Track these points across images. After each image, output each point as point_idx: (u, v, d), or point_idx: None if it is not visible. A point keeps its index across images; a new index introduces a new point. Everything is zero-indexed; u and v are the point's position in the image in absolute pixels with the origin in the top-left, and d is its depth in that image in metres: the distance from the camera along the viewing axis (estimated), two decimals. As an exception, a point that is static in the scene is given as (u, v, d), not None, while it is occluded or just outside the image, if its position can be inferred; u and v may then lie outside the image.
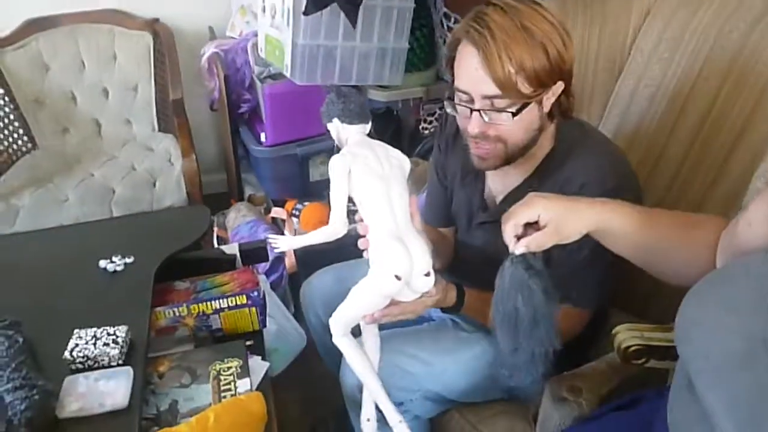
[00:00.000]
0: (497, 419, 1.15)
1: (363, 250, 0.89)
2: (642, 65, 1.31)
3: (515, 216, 0.80)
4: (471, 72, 0.96)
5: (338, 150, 0.93)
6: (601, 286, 1.08)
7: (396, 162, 0.90)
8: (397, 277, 0.83)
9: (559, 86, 0.99)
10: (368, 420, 0.95)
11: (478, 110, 0.98)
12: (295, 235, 2.10)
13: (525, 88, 0.94)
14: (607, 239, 0.84)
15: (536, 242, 0.79)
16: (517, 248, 0.79)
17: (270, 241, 0.96)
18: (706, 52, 1.20)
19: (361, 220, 0.89)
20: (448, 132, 1.23)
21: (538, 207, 0.79)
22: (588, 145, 1.06)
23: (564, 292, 1.07)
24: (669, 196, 1.24)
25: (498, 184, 1.15)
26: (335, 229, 0.88)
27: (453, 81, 1.03)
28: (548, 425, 0.99)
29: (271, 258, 1.80)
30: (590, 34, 1.44)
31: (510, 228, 0.80)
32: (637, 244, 0.83)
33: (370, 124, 0.94)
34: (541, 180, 1.07)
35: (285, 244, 0.95)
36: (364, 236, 0.89)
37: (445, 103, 1.06)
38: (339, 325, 0.91)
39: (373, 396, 0.92)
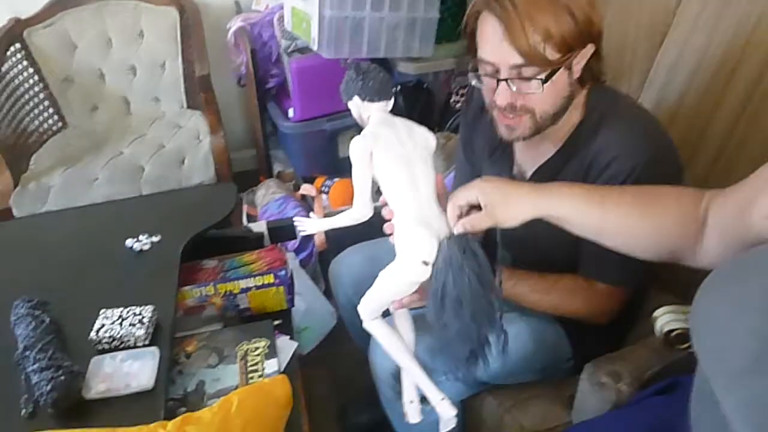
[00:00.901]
0: (531, 403, 1.12)
1: (389, 235, 0.86)
2: (686, 33, 1.23)
3: (455, 197, 0.82)
4: (495, 44, 0.91)
5: (360, 129, 0.88)
6: (635, 263, 1.02)
7: (421, 140, 0.85)
8: (425, 263, 0.79)
9: (589, 49, 0.93)
10: (411, 402, 0.92)
11: (505, 80, 0.93)
12: (324, 212, 2.07)
13: (552, 54, 0.90)
14: (563, 225, 0.82)
15: (470, 223, 0.79)
16: (456, 228, 0.79)
17: (296, 223, 0.93)
18: (756, 17, 1.12)
19: (386, 204, 0.85)
20: (474, 107, 1.19)
21: (475, 190, 0.81)
22: (621, 114, 1.00)
23: (597, 269, 1.04)
24: (713, 175, 1.17)
25: (527, 158, 1.10)
26: (360, 213, 0.84)
27: (475, 52, 0.98)
28: (585, 410, 0.95)
29: (299, 236, 1.78)
30: (629, 4, 1.36)
31: (450, 208, 0.81)
32: (595, 228, 0.81)
33: (392, 100, 0.89)
34: (572, 153, 1.02)
35: (311, 226, 0.92)
36: (389, 220, 0.85)
37: (469, 75, 1.01)
38: (368, 311, 0.88)
39: (412, 377, 0.90)
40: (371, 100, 0.87)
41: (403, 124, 0.87)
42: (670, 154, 0.99)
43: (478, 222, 0.79)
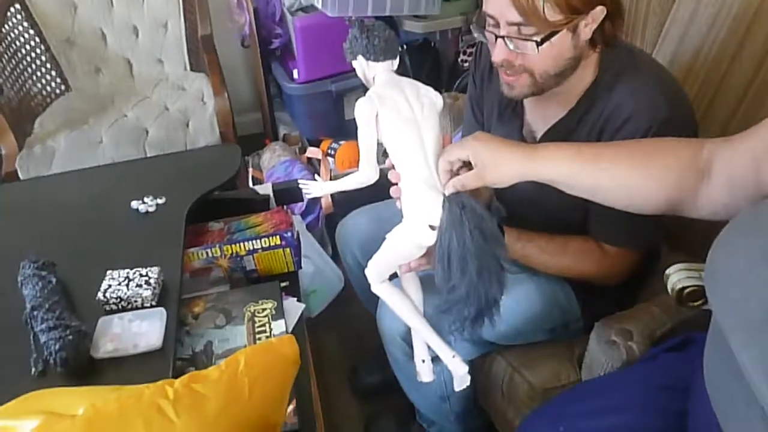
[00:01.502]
0: (541, 362, 1.12)
1: (396, 199, 0.84)
2: (703, -17, 1.19)
3: (447, 153, 0.80)
4: None
5: (366, 89, 0.86)
6: (648, 227, 1.01)
7: (428, 101, 0.83)
8: (432, 227, 0.78)
9: (600, 11, 0.88)
10: (423, 361, 0.92)
11: (503, 37, 0.89)
12: (330, 174, 2.05)
13: (552, 15, 0.85)
14: (559, 186, 0.80)
15: (461, 182, 0.78)
16: (446, 188, 0.78)
17: (301, 186, 0.91)
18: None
19: (392, 167, 0.83)
20: (483, 65, 1.16)
21: (468, 148, 0.79)
22: (636, 73, 0.96)
23: (607, 232, 1.02)
24: (728, 131, 1.13)
25: (537, 119, 1.07)
26: (366, 175, 0.82)
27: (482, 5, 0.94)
28: (595, 368, 0.95)
29: (305, 199, 1.77)
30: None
31: (441, 164, 0.80)
32: (589, 188, 0.79)
33: (398, 60, 0.86)
34: (584, 113, 0.99)
35: (317, 189, 0.90)
36: (395, 184, 0.83)
37: (471, 27, 0.98)
38: (375, 274, 0.88)
39: (422, 336, 0.90)
40: (376, 60, 0.84)
41: (409, 84, 0.84)
42: (686, 112, 0.96)
43: (469, 181, 0.78)
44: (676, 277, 0.90)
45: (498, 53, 0.92)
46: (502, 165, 0.78)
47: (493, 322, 0.82)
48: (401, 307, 0.89)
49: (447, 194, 0.78)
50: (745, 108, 1.12)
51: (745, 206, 0.68)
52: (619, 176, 0.78)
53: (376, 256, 0.86)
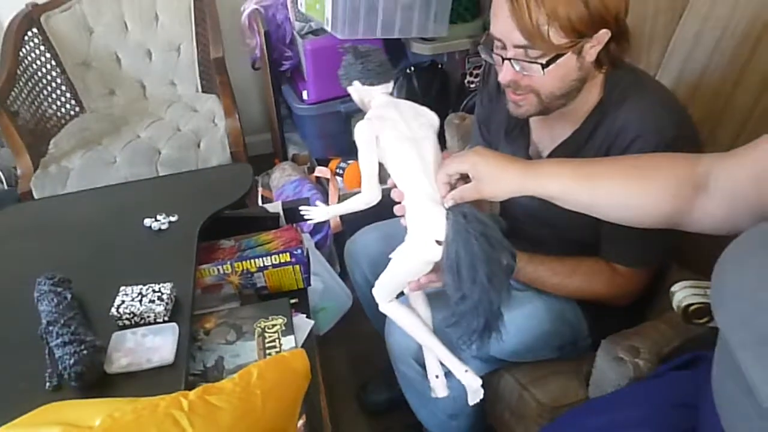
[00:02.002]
0: (549, 380, 1.12)
1: (400, 216, 0.85)
2: (707, 4, 1.21)
3: (446, 166, 0.81)
4: (502, 20, 0.89)
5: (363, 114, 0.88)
6: (658, 246, 1.02)
7: (425, 120, 0.85)
8: (438, 243, 0.79)
9: (604, 34, 0.90)
10: (437, 377, 0.93)
11: (509, 59, 0.91)
12: (339, 193, 2.08)
13: (558, 38, 0.87)
14: (557, 202, 0.82)
15: (459, 194, 0.80)
16: (446, 201, 0.80)
17: (303, 212, 0.92)
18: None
19: (394, 186, 0.85)
20: (491, 84, 1.18)
21: (466, 162, 0.80)
22: (642, 93, 0.98)
23: (617, 252, 1.03)
24: (736, 148, 1.15)
25: (544, 138, 1.09)
26: (369, 196, 0.84)
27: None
28: (602, 385, 0.95)
29: (310, 226, 1.78)
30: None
31: (440, 177, 0.81)
32: (586, 204, 0.81)
33: (392, 83, 0.89)
34: (591, 133, 1.01)
35: (319, 214, 0.91)
36: (399, 203, 0.85)
37: (479, 48, 1.00)
38: (383, 294, 0.88)
39: (434, 352, 0.90)
40: (372, 84, 0.87)
41: (406, 105, 0.86)
42: (691, 131, 0.97)
43: (467, 193, 0.80)
44: (682, 294, 0.90)
45: (505, 74, 0.94)
46: (500, 179, 0.80)
47: (499, 335, 0.82)
48: (410, 324, 0.90)
49: (447, 207, 0.79)
50: (752, 126, 1.13)
51: (748, 220, 0.69)
52: (615, 191, 0.79)
53: (384, 276, 0.87)
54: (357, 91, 0.88)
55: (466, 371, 0.87)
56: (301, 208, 0.95)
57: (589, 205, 0.81)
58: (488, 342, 0.82)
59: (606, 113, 0.99)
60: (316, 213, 0.91)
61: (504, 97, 1.05)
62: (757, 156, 0.69)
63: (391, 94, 0.90)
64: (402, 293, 0.91)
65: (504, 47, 0.92)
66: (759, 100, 1.12)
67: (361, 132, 0.83)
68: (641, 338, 0.96)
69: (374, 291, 0.88)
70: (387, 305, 0.90)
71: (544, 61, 0.89)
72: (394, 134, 0.82)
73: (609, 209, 0.81)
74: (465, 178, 0.82)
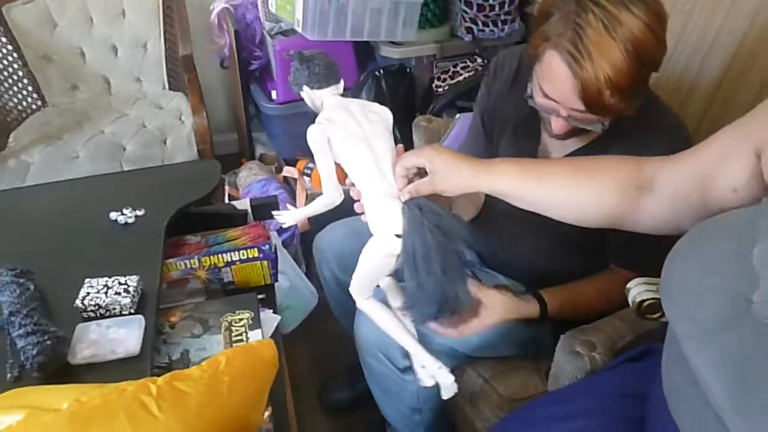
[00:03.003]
0: (510, 374, 1.15)
1: (360, 214, 0.88)
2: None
3: (403, 159, 0.84)
4: (564, 89, 0.92)
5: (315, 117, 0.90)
6: (660, 249, 1.05)
7: (375, 117, 0.87)
8: (398, 236, 0.82)
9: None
10: (423, 367, 0.94)
11: (566, 117, 0.95)
12: (307, 193, 2.08)
13: (617, 102, 0.90)
14: (507, 199, 0.86)
15: (415, 188, 0.83)
16: (402, 194, 0.83)
17: (275, 216, 0.96)
18: (728, 4, 1.16)
19: (353, 185, 0.87)
20: (503, 78, 1.18)
21: (423, 157, 0.84)
22: (660, 112, 1.02)
23: (631, 259, 1.06)
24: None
25: (555, 143, 1.10)
26: (330, 198, 0.87)
27: (533, 68, 0.98)
28: (560, 378, 0.99)
29: (277, 224, 1.79)
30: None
31: (397, 170, 0.84)
32: (534, 201, 0.85)
33: (341, 83, 0.91)
34: (605, 147, 1.02)
35: (290, 218, 0.94)
36: (358, 200, 0.87)
37: (528, 100, 1.02)
38: (357, 291, 0.90)
39: (408, 348, 0.92)
40: (320, 87, 0.88)
41: (356, 104, 0.88)
42: None
43: (422, 187, 0.83)
44: (636, 290, 0.94)
45: (561, 127, 0.98)
46: (454, 174, 0.83)
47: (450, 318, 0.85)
48: (385, 322, 0.92)
49: (403, 200, 0.82)
50: (703, 134, 1.19)
51: (690, 221, 0.73)
52: (561, 190, 0.83)
53: (355, 274, 0.89)
54: (307, 95, 0.90)
55: (440, 367, 0.90)
56: (273, 212, 0.98)
57: (537, 203, 0.85)
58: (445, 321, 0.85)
59: (623, 130, 1.00)
60: (286, 217, 0.94)
61: (516, 91, 1.08)
62: (696, 162, 0.73)
63: (345, 94, 0.92)
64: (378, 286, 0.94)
65: (558, 104, 0.95)
66: (708, 110, 1.18)
67: (312, 136, 0.85)
68: (597, 333, 1.00)
69: (350, 290, 0.90)
70: (363, 302, 0.92)
71: (605, 123, 0.93)
72: (345, 134, 0.84)
73: (556, 207, 0.85)
74: (422, 173, 0.85)
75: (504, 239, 1.20)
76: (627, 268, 1.06)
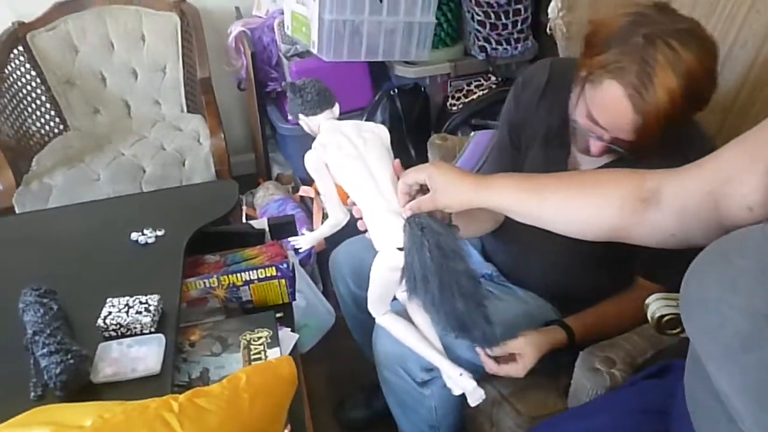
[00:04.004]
0: (529, 391, 1.14)
1: (364, 232, 0.89)
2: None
3: (405, 177, 0.86)
4: (620, 121, 0.93)
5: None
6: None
7: (370, 135, 0.89)
8: (400, 249, 0.83)
9: None
10: (461, 375, 0.93)
11: (609, 144, 0.97)
12: (323, 212, 2.10)
13: (661, 134, 0.92)
14: (507, 213, 0.87)
15: (417, 204, 0.84)
16: (404, 212, 0.84)
17: (293, 244, 1.01)
18: (743, 16, 1.16)
19: (354, 204, 0.89)
20: (533, 89, 1.19)
21: (423, 174, 0.85)
22: (692, 130, 1.02)
23: (653, 270, 1.06)
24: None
25: (586, 156, 1.09)
26: (336, 218, 0.91)
27: (579, 90, 0.99)
28: (580, 394, 0.98)
29: (300, 250, 1.81)
30: (621, 6, 1.39)
31: (400, 186, 0.86)
32: (535, 216, 0.85)
33: (336, 106, 0.93)
34: (635, 163, 1.02)
35: (305, 242, 0.99)
36: (360, 218, 0.89)
37: (572, 122, 1.03)
38: (374, 308, 0.92)
39: (430, 360, 0.92)
40: (315, 113, 0.91)
41: (350, 125, 0.90)
42: None
43: (423, 204, 0.84)
44: (655, 305, 0.94)
45: (598, 150, 0.99)
46: (454, 190, 0.84)
47: (474, 336, 0.85)
48: (405, 334, 0.93)
49: (405, 216, 0.83)
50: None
51: (699, 234, 0.73)
52: (561, 204, 0.83)
53: (369, 292, 0.90)
54: (304, 122, 0.94)
55: (461, 374, 0.90)
56: (290, 239, 1.02)
57: (538, 217, 0.85)
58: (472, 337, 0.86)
59: (653, 148, 0.99)
60: (302, 241, 0.99)
61: (546, 103, 1.11)
62: (706, 175, 0.73)
63: (360, 114, 0.94)
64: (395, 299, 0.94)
65: (603, 128, 0.96)
66: (723, 123, 1.18)
67: (309, 162, 0.89)
68: (616, 350, 1.00)
69: (368, 307, 0.92)
70: (382, 318, 0.93)
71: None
72: (340, 156, 0.87)
73: (556, 221, 0.85)
74: (424, 190, 0.86)
75: (525, 250, 1.20)
76: (654, 281, 1.06)
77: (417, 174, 0.85)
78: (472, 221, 1.18)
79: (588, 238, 0.84)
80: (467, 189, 0.84)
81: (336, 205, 0.91)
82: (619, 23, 0.92)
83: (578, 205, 0.82)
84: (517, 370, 1.03)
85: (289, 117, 0.95)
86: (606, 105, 0.94)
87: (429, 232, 0.80)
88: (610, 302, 1.10)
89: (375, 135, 0.89)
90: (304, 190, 2.21)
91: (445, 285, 0.80)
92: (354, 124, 0.90)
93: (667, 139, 0.98)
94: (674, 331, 0.92)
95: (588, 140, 1.01)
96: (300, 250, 1.00)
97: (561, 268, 1.15)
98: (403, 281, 0.85)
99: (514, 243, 1.21)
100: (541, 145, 1.18)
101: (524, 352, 1.03)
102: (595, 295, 1.12)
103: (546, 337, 1.06)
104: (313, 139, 0.94)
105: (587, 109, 0.97)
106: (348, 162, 0.86)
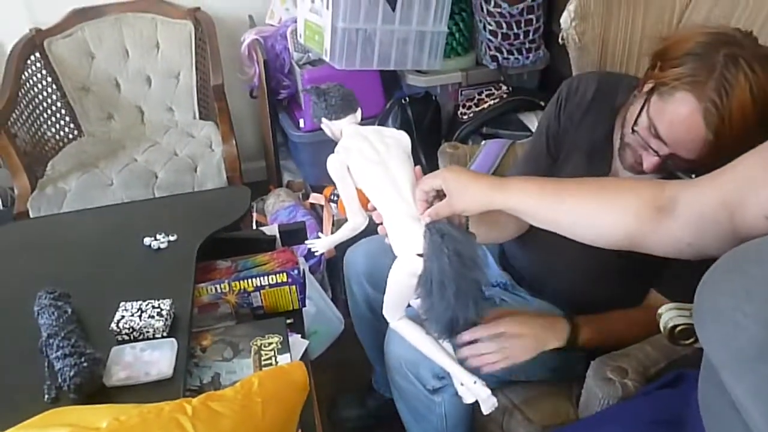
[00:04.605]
0: (541, 399, 1.14)
1: (384, 236, 0.90)
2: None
3: (422, 183, 0.87)
4: (686, 135, 0.91)
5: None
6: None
7: (392, 141, 0.90)
8: (420, 255, 0.84)
9: None
10: (462, 384, 0.95)
11: (664, 159, 0.95)
12: (333, 219, 2.10)
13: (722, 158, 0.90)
14: (523, 217, 0.87)
15: (435, 211, 0.85)
16: (423, 217, 0.85)
17: (309, 246, 1.03)
18: (758, 28, 1.16)
19: (374, 209, 0.90)
20: (576, 103, 1.18)
21: (439, 178, 0.86)
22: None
23: (673, 287, 1.05)
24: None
25: (628, 172, 1.09)
26: (355, 223, 0.92)
27: (643, 102, 0.97)
28: (591, 404, 0.98)
29: (304, 249, 1.82)
30: (634, 15, 1.40)
31: (417, 194, 0.87)
32: (551, 220, 0.85)
33: (359, 111, 0.94)
34: (668, 178, 1.01)
35: (322, 245, 1.01)
36: (380, 224, 0.90)
37: (624, 136, 1.02)
38: (389, 313, 0.93)
39: (443, 366, 0.93)
40: (338, 118, 0.92)
41: (372, 131, 0.92)
42: None
43: (441, 209, 0.85)
44: (668, 315, 0.93)
45: (652, 166, 0.97)
46: (470, 194, 0.85)
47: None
48: (418, 340, 0.94)
49: (425, 223, 0.84)
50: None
51: (715, 245, 0.73)
52: (577, 208, 0.83)
53: (385, 296, 0.91)
54: (327, 126, 0.95)
55: (475, 382, 0.91)
56: (306, 242, 1.04)
57: (554, 221, 0.85)
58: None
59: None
60: (319, 245, 1.00)
61: (591, 115, 1.12)
62: (723, 182, 0.73)
63: (371, 121, 0.95)
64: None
65: (663, 143, 0.94)
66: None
67: (332, 165, 0.90)
68: (628, 359, 0.99)
69: (383, 312, 0.92)
70: (397, 323, 0.94)
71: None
72: (362, 161, 0.88)
73: (571, 225, 0.85)
74: (441, 196, 0.87)
75: (549, 257, 1.20)
76: (670, 298, 1.04)
77: (432, 180, 0.86)
78: (494, 226, 1.18)
79: (603, 245, 0.84)
80: (483, 191, 0.85)
81: (356, 210, 0.91)
82: (698, 40, 0.91)
83: (595, 211, 0.82)
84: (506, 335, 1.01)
85: (313, 120, 0.96)
86: (675, 118, 0.91)
87: (449, 240, 0.80)
88: (621, 312, 1.10)
89: (396, 141, 0.90)
90: (315, 198, 2.21)
91: (461, 292, 0.80)
92: (376, 130, 0.91)
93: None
94: (687, 342, 0.92)
95: (641, 155, 0.99)
96: (316, 253, 1.01)
97: (583, 277, 1.15)
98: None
99: (537, 248, 1.21)
100: (584, 158, 1.17)
101: (515, 319, 1.02)
102: (611, 307, 1.12)
103: (543, 318, 1.05)
104: (331, 145, 0.95)
105: (650, 121, 0.95)
106: (370, 167, 0.87)
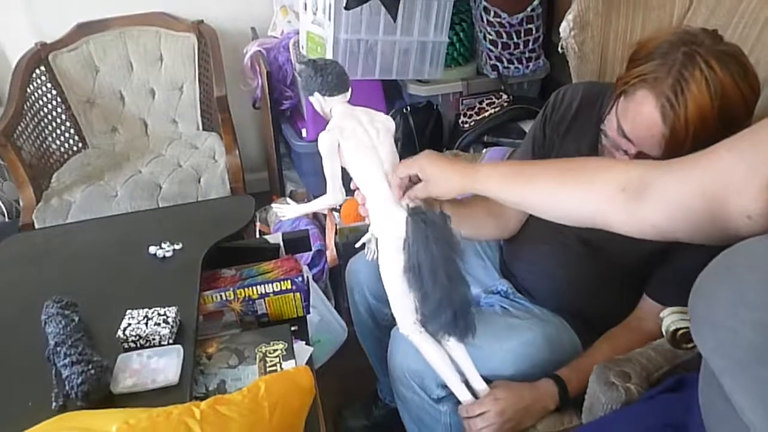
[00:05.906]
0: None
1: (365, 218, 0.94)
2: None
3: (398, 168, 0.90)
4: (647, 132, 0.93)
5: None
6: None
7: (382, 126, 0.93)
8: (400, 238, 0.87)
9: None
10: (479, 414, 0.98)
11: (633, 156, 0.97)
12: (336, 228, 2.11)
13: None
14: (495, 198, 0.89)
15: (413, 193, 0.89)
16: (402, 200, 0.88)
17: (275, 209, 1.04)
18: (755, 36, 1.17)
19: (357, 189, 0.92)
20: (561, 113, 1.19)
21: (415, 165, 0.90)
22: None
23: (667, 294, 1.05)
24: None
25: None
26: (333, 198, 0.95)
27: (612, 103, 0.99)
28: (595, 409, 0.98)
29: (314, 249, 1.83)
30: (633, 23, 1.42)
31: (393, 180, 0.90)
32: (521, 201, 0.88)
33: (350, 91, 0.96)
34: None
35: (290, 211, 1.03)
36: (362, 204, 0.93)
37: (602, 137, 1.04)
38: (399, 318, 0.94)
39: (452, 388, 0.96)
40: (331, 95, 0.94)
41: (363, 112, 0.94)
42: None
43: (417, 193, 0.88)
44: (670, 319, 0.94)
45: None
46: (445, 179, 0.88)
47: (472, 326, 0.88)
48: (433, 358, 0.95)
49: (405, 206, 0.87)
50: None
51: (688, 231, 0.73)
52: (544, 188, 0.85)
53: (390, 301, 0.93)
54: (318, 101, 0.96)
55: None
56: (273, 205, 1.04)
57: (524, 203, 0.88)
58: (465, 333, 0.88)
59: None
60: (287, 210, 1.02)
61: (578, 125, 1.14)
62: (701, 171, 0.72)
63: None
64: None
65: (631, 142, 0.96)
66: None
67: (323, 142, 0.91)
68: (631, 364, 0.99)
69: (398, 323, 0.94)
70: (416, 336, 0.95)
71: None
72: (355, 142, 0.91)
73: (538, 205, 0.87)
74: (416, 182, 0.90)
75: (546, 266, 1.21)
76: (662, 303, 1.06)
77: (408, 167, 0.89)
78: (498, 219, 1.21)
79: (571, 224, 0.86)
80: (457, 177, 0.88)
81: (337, 187, 0.94)
82: (664, 39, 0.93)
83: (560, 191, 0.83)
84: (488, 415, 1.02)
85: (303, 92, 0.98)
86: (636, 116, 0.93)
87: (431, 225, 0.84)
88: (605, 343, 1.10)
89: (385, 126, 0.94)
90: (318, 207, 2.22)
91: (452, 273, 0.83)
92: (367, 112, 0.94)
93: None
94: (689, 345, 0.92)
95: (615, 156, 1.01)
96: (282, 218, 1.03)
97: (582, 285, 1.15)
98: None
99: (537, 256, 1.22)
100: None
101: (500, 396, 1.03)
102: (609, 313, 1.13)
103: (530, 390, 1.06)
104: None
105: (618, 121, 0.97)
106: (362, 149, 0.90)
